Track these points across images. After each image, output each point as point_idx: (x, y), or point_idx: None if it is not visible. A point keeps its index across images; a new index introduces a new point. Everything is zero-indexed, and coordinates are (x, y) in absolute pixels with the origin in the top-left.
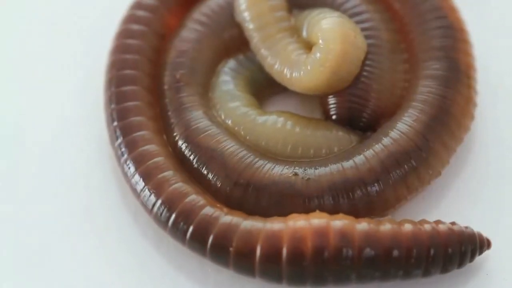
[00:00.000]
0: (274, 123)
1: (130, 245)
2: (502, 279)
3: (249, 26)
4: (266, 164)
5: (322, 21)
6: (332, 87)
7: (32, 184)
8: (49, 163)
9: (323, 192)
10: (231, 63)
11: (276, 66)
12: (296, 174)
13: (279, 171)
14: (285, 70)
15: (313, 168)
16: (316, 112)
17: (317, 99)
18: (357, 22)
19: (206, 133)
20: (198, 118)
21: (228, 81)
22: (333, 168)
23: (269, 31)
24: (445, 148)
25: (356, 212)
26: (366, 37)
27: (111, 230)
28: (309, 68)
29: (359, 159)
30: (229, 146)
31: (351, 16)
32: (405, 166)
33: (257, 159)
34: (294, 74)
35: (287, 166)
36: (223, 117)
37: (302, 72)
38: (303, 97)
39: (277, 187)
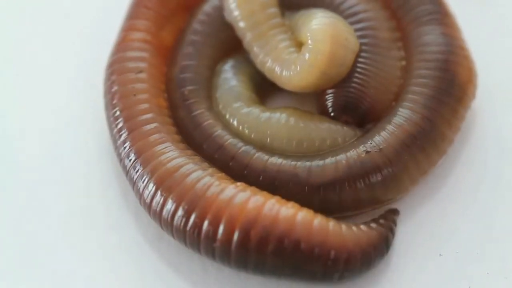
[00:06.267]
0: (278, 119)
1: (130, 244)
2: (503, 277)
3: (241, 25)
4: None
5: (313, 21)
6: (321, 86)
7: (32, 184)
8: (49, 163)
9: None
10: (231, 62)
11: (267, 64)
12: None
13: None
14: (276, 68)
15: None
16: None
17: (316, 95)
18: (354, 22)
19: (227, 143)
20: (216, 130)
21: (230, 79)
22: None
23: (260, 29)
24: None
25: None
26: (363, 36)
27: (111, 230)
28: (298, 68)
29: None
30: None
31: (349, 16)
32: (416, 148)
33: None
34: (284, 73)
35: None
36: (227, 116)
37: (291, 72)
38: (305, 93)
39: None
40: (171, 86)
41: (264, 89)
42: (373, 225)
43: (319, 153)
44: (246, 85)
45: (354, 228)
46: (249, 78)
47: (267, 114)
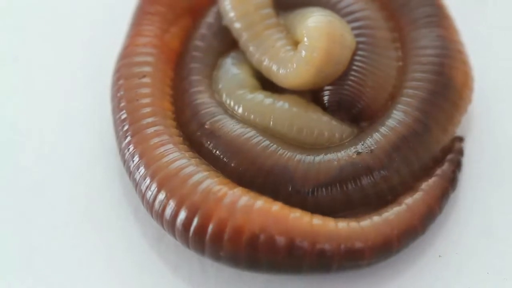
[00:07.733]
0: (282, 105)
1: (130, 243)
2: (503, 279)
3: (236, 26)
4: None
5: (309, 19)
6: (317, 84)
7: (33, 180)
8: (50, 160)
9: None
10: (232, 54)
11: (264, 63)
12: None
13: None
14: (273, 67)
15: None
16: None
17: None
18: (350, 21)
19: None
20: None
21: (231, 68)
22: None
23: (256, 29)
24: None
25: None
26: (359, 35)
27: (111, 229)
28: (294, 66)
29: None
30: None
31: (345, 15)
32: (408, 150)
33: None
34: (280, 71)
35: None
36: (232, 105)
37: (288, 70)
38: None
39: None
40: (189, 129)
41: (266, 84)
42: (435, 178)
43: (312, 153)
44: (248, 72)
45: (375, 218)
46: (251, 67)
47: (271, 100)
